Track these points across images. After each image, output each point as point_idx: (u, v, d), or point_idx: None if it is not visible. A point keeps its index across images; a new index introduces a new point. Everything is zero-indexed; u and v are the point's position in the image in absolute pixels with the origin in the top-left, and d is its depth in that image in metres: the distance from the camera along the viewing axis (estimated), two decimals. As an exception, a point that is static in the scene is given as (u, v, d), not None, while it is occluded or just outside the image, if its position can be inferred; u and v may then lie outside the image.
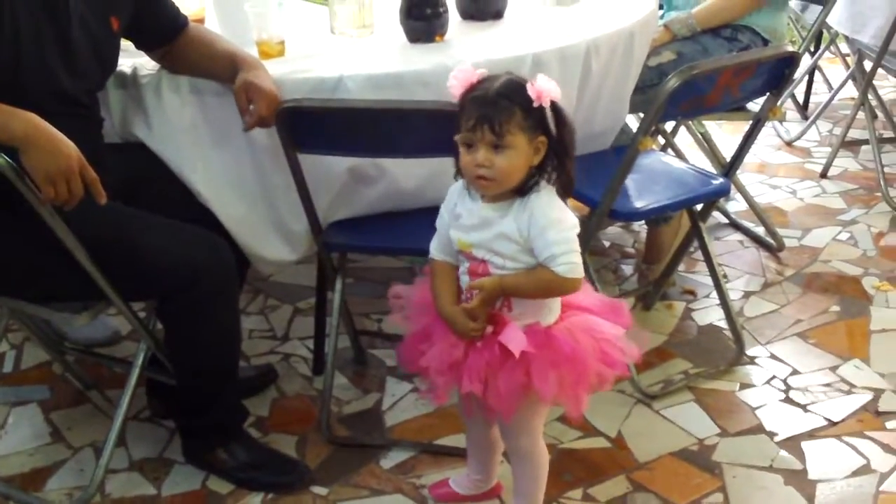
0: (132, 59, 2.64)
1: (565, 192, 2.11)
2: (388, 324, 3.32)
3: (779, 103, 2.92)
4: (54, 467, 2.76)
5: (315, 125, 2.44)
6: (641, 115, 3.19)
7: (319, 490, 2.64)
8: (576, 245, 2.07)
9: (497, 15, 3.06)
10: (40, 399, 3.06)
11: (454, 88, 2.06)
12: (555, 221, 2.05)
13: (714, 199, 3.14)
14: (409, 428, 2.88)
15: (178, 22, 2.63)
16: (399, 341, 2.36)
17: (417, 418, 2.91)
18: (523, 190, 2.07)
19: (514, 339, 2.09)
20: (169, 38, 2.60)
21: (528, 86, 2.00)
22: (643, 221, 3.65)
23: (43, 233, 2.25)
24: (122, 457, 2.77)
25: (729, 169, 3.11)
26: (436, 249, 2.23)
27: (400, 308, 2.32)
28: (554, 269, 2.04)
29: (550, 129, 2.03)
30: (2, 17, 2.21)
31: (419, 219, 2.26)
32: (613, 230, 3.94)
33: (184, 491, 2.66)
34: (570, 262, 2.05)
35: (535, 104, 1.99)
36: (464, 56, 2.61)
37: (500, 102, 1.99)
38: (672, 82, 2.56)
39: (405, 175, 2.67)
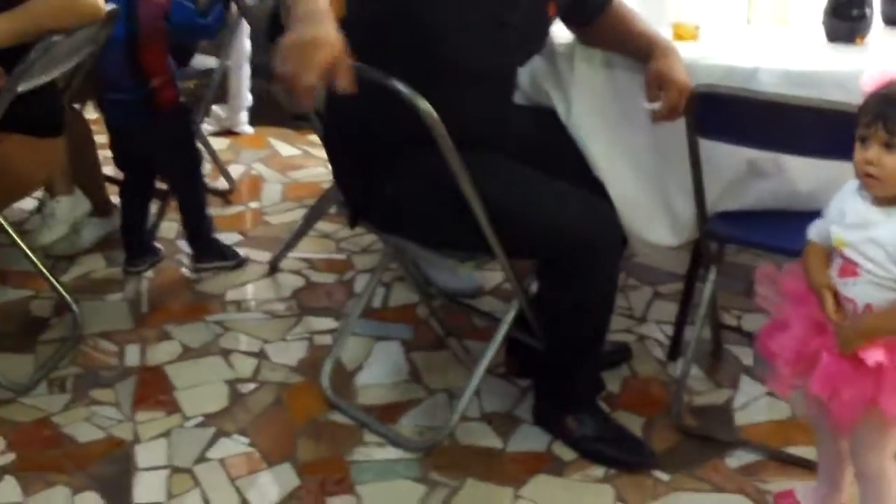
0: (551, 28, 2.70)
1: None
2: (748, 320, 3.27)
3: None
4: (409, 405, 2.89)
5: (724, 112, 2.42)
6: None
7: (661, 475, 2.63)
8: None
9: (925, 23, 2.93)
10: (403, 338, 3.21)
11: (867, 85, 2.02)
12: None
13: None
14: (760, 431, 2.82)
15: (604, 1, 2.66)
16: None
17: (769, 423, 2.85)
18: None
19: (872, 351, 2.02)
20: (594, 16, 2.64)
21: None
22: None
23: (446, 182, 2.35)
24: (474, 406, 2.85)
25: None
26: (815, 233, 2.18)
27: (767, 291, 2.28)
28: None
29: None
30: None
31: (807, 221, 2.20)
32: None
33: (528, 450, 2.72)
34: None
35: None
36: (884, 61, 2.51)
37: None
38: None
39: (802, 175, 2.61)
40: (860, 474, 2.30)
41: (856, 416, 2.08)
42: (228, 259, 3.63)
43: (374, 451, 2.69)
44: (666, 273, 3.54)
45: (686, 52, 2.55)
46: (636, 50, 2.57)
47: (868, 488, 2.29)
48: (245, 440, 2.73)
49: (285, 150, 4.80)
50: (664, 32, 2.64)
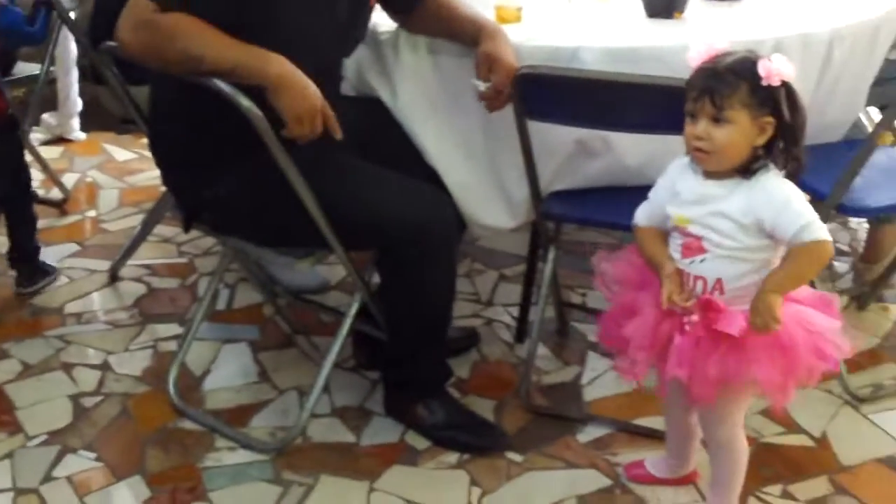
0: (371, 16, 2.67)
1: (792, 176, 2.07)
2: (592, 298, 3.31)
3: None
4: (259, 406, 2.85)
5: (549, 93, 2.44)
6: (874, 108, 3.10)
7: (514, 456, 2.65)
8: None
9: (738, -4, 3.01)
10: (250, 339, 3.16)
11: (693, 60, 2.04)
12: (793, 192, 2.03)
13: (948, 202, 3.02)
14: (608, 405, 2.86)
15: None
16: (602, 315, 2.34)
17: (616, 396, 2.89)
18: (748, 171, 2.04)
19: (734, 323, 2.06)
20: (415, 3, 2.63)
21: (760, 63, 1.96)
22: (864, 219, 3.54)
23: (276, 179, 2.33)
24: (325, 403, 2.83)
25: (966, 173, 2.99)
26: (644, 217, 2.22)
27: (605, 278, 2.31)
28: (811, 238, 2.00)
29: (781, 110, 1.99)
30: None
31: (640, 196, 2.23)
32: (830, 226, 3.80)
33: (382, 442, 2.70)
34: (823, 226, 2.02)
35: (764, 82, 1.96)
36: (702, 35, 2.56)
37: (726, 76, 1.97)
38: (924, 77, 2.48)
39: (630, 151, 2.65)
40: (712, 444, 2.35)
41: (715, 392, 2.12)
42: (50, 274, 3.52)
43: (226, 456, 2.65)
44: (510, 255, 3.56)
45: (510, 34, 2.56)
46: (463, 34, 2.57)
47: (719, 456, 2.34)
48: (92, 455, 2.66)
49: (120, 154, 4.69)
50: (488, 16, 2.65)
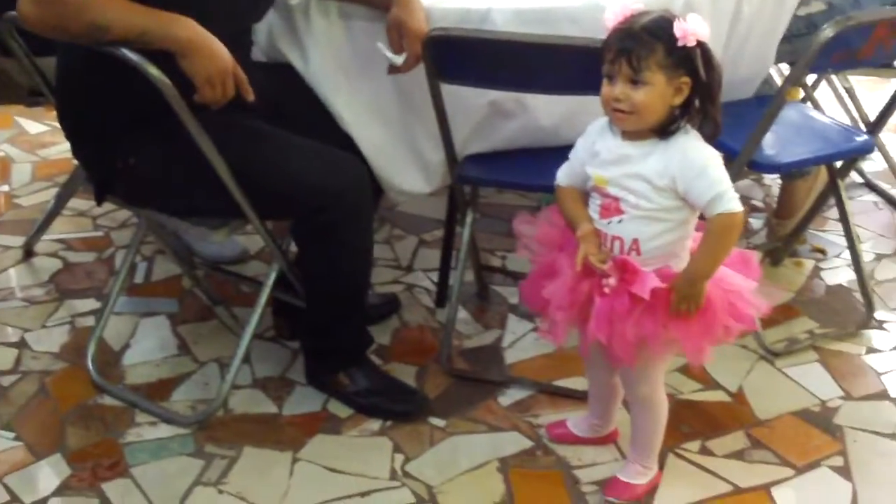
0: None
1: (711, 137, 2.08)
2: (512, 261, 3.32)
3: (933, 63, 2.84)
4: (179, 379, 2.82)
5: (460, 55, 2.43)
6: (786, 65, 3.12)
7: (437, 421, 2.66)
8: (730, 180, 2.05)
9: (650, -46, 3.00)
10: (168, 312, 3.13)
11: (609, 20, 2.04)
12: (711, 158, 2.04)
13: (857, 156, 3.07)
14: (529, 367, 2.88)
15: None
16: (523, 278, 2.35)
17: (537, 358, 2.91)
18: (666, 131, 2.05)
19: (647, 285, 2.07)
20: None
21: (676, 23, 1.96)
22: (777, 175, 3.58)
23: (187, 148, 2.29)
24: (246, 374, 2.82)
25: (874, 126, 3.03)
26: (565, 177, 2.22)
27: (525, 241, 2.32)
28: (724, 209, 2.02)
29: (697, 70, 2.00)
30: None
31: (555, 157, 2.24)
32: (744, 182, 3.87)
33: (304, 412, 2.70)
34: (735, 196, 2.04)
35: (680, 43, 1.96)
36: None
37: (643, 37, 1.97)
38: (826, 32, 2.49)
39: (545, 112, 2.65)
40: (632, 402, 2.39)
41: (635, 353, 2.14)
42: None
43: (147, 431, 2.63)
44: (431, 220, 3.56)
45: (421, -3, 2.55)
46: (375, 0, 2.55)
47: (640, 414, 2.38)
48: (10, 435, 2.62)
49: (33, 127, 4.59)
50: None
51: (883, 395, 2.79)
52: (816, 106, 3.82)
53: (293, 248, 2.64)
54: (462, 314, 3.07)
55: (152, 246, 3.40)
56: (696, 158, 2.03)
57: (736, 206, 2.03)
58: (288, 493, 2.43)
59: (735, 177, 2.86)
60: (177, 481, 2.46)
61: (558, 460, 2.53)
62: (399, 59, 2.49)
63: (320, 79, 2.62)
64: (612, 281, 2.10)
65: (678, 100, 2.02)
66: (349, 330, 2.68)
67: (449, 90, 2.51)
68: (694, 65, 1.99)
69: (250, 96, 2.31)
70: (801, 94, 3.69)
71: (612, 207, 2.12)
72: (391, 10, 2.49)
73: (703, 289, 2.06)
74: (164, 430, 2.63)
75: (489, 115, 2.67)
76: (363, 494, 2.43)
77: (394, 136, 2.69)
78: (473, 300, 3.16)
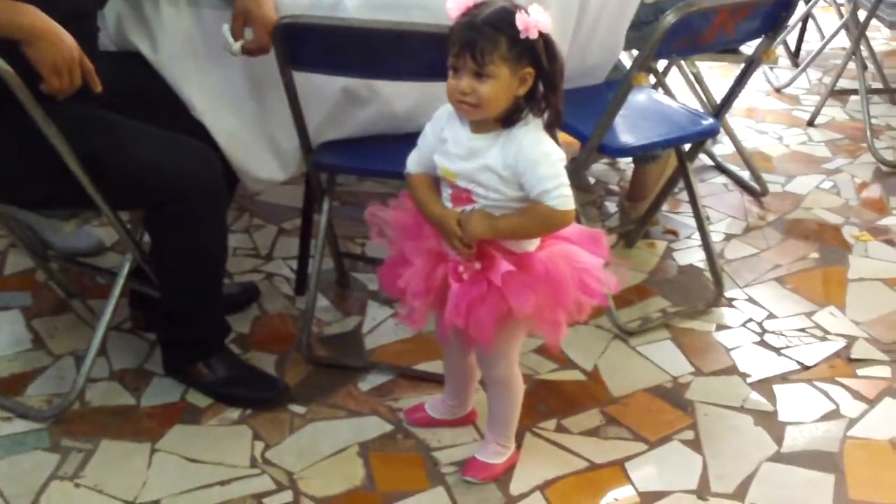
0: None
1: (552, 126, 2.12)
2: (371, 247, 3.34)
3: (772, 47, 2.93)
4: (34, 373, 2.77)
5: (311, 42, 2.43)
6: (635, 52, 3.19)
7: (297, 408, 2.66)
8: (566, 178, 2.07)
9: (499, -57, 3.03)
10: (22, 305, 3.07)
11: (452, 11, 2.05)
12: (543, 155, 2.06)
13: (703, 139, 3.17)
14: (389, 352, 2.90)
15: None
16: (382, 265, 2.37)
17: (396, 343, 2.94)
18: (509, 120, 2.07)
19: (500, 270, 2.11)
20: None
21: (518, 15, 1.98)
22: (630, 159, 3.67)
23: (35, 138, 2.26)
24: (103, 366, 2.78)
25: (719, 110, 3.13)
26: (415, 164, 2.23)
27: (378, 228, 2.33)
28: (548, 204, 2.05)
29: (540, 60, 2.02)
30: None
31: (411, 143, 2.25)
32: (599, 167, 3.96)
33: (163, 403, 2.68)
34: (563, 195, 2.06)
35: (522, 35, 1.98)
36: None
37: (486, 31, 1.98)
38: (669, 18, 2.56)
39: (398, 98, 2.67)
40: (489, 382, 2.42)
41: (492, 335, 2.16)
42: None
43: (1, 427, 2.57)
44: (289, 208, 3.55)
45: (271, -16, 2.53)
46: None
47: (496, 394, 2.41)
48: None
49: None
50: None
51: (732, 370, 2.88)
52: (668, 91, 3.94)
53: (148, 238, 2.62)
54: (322, 302, 3.08)
55: (4, 239, 3.33)
56: (530, 153, 2.05)
57: (561, 205, 2.06)
58: (146, 484, 2.41)
59: (586, 160, 2.96)
60: (32, 476, 2.42)
61: (418, 443, 2.56)
62: (236, 46, 2.47)
63: (170, 67, 2.60)
64: (477, 265, 2.13)
65: (522, 90, 2.05)
66: (206, 319, 2.67)
67: (302, 77, 2.51)
68: (537, 55, 2.02)
69: (97, 87, 2.28)
70: (652, 79, 3.79)
71: (463, 197, 2.14)
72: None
73: (477, 233, 2.10)
74: (19, 426, 2.58)
75: (342, 102, 2.68)
76: (223, 483, 2.43)
77: (247, 124, 2.69)
78: (333, 287, 3.17)
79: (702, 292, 3.25)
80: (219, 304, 2.71)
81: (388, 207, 2.32)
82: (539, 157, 2.05)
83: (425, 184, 2.22)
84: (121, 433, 2.57)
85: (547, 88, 2.07)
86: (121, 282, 2.62)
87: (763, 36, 2.90)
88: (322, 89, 2.62)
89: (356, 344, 2.94)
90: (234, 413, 2.64)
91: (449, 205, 2.17)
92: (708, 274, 3.28)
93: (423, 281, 2.19)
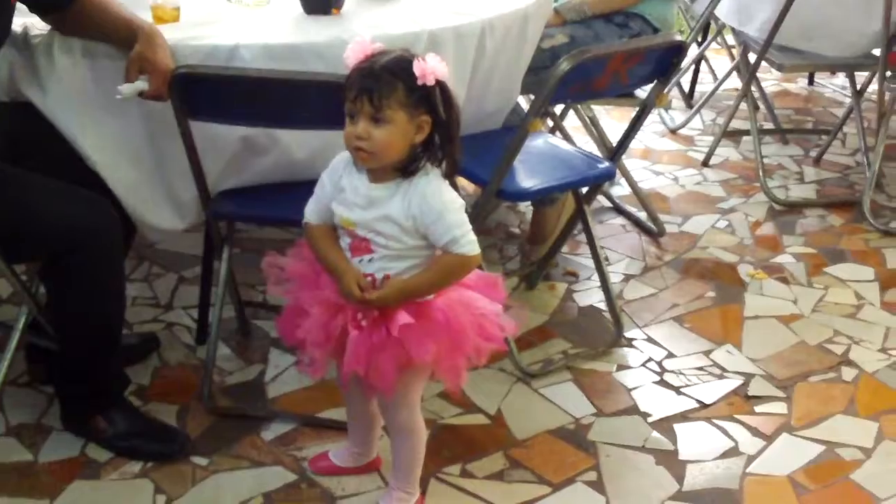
0: (23, 19, 2.57)
1: (450, 175, 2.14)
2: (272, 295, 3.31)
3: (665, 91, 2.99)
4: (-72, 431, 2.71)
5: (208, 93, 2.43)
6: (533, 96, 3.23)
7: (199, 460, 2.63)
8: (468, 224, 2.11)
9: (393, -9, 3.06)
10: (-87, 361, 2.99)
11: (349, 59, 2.07)
12: (448, 204, 2.09)
13: (600, 182, 3.21)
14: (292, 400, 2.89)
15: None
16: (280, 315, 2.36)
17: (300, 391, 2.92)
18: (408, 170, 2.09)
19: (398, 321, 2.12)
20: (64, 4, 2.51)
21: (415, 63, 2.00)
22: (529, 202, 3.70)
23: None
24: (-1, 422, 2.73)
25: (615, 153, 3.18)
26: (313, 213, 2.23)
27: (276, 278, 2.32)
28: (458, 252, 2.08)
29: (437, 108, 2.05)
30: None
31: (309, 190, 2.25)
32: (499, 210, 3.99)
33: (61, 458, 2.63)
34: (471, 240, 2.10)
35: (419, 82, 2.00)
36: (360, 30, 2.60)
37: (383, 76, 2.00)
38: (564, 65, 2.61)
39: (297, 145, 2.67)
40: (392, 429, 2.42)
41: (392, 382, 2.17)
42: None
43: None
44: (189, 256, 3.52)
45: (168, 34, 2.52)
46: (117, 37, 2.50)
47: (399, 441, 2.41)
48: None
49: None
50: (144, 16, 2.60)
51: (633, 410, 2.91)
52: (565, 135, 3.99)
53: (44, 290, 2.57)
54: (223, 350, 3.05)
55: None
56: (434, 203, 2.07)
57: (470, 251, 2.10)
58: (44, 544, 2.37)
59: (486, 205, 2.98)
60: (-76, 539, 2.37)
61: (323, 492, 2.54)
62: (125, 89, 2.43)
63: (65, 118, 2.55)
64: (375, 312, 2.14)
65: (419, 138, 2.07)
66: (105, 372, 2.63)
67: (200, 126, 2.51)
68: (434, 103, 2.04)
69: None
70: (550, 123, 3.84)
71: (363, 247, 2.15)
72: (135, 46, 2.45)
73: (389, 300, 2.12)
74: (-88, 486, 2.51)
75: (242, 151, 2.67)
76: (124, 539, 2.39)
77: (145, 174, 2.66)
78: (235, 336, 3.15)
79: (602, 333, 3.28)
80: (118, 355, 2.67)
81: (286, 256, 2.32)
82: (444, 205, 2.08)
83: (325, 234, 2.22)
84: (18, 490, 2.52)
85: (443, 138, 2.09)
86: (16, 335, 2.57)
87: (656, 80, 2.95)
88: (221, 138, 2.60)
89: (259, 393, 2.92)
90: (136, 466, 2.60)
91: (348, 254, 2.17)
92: (608, 315, 3.32)
93: (321, 330, 2.19)
